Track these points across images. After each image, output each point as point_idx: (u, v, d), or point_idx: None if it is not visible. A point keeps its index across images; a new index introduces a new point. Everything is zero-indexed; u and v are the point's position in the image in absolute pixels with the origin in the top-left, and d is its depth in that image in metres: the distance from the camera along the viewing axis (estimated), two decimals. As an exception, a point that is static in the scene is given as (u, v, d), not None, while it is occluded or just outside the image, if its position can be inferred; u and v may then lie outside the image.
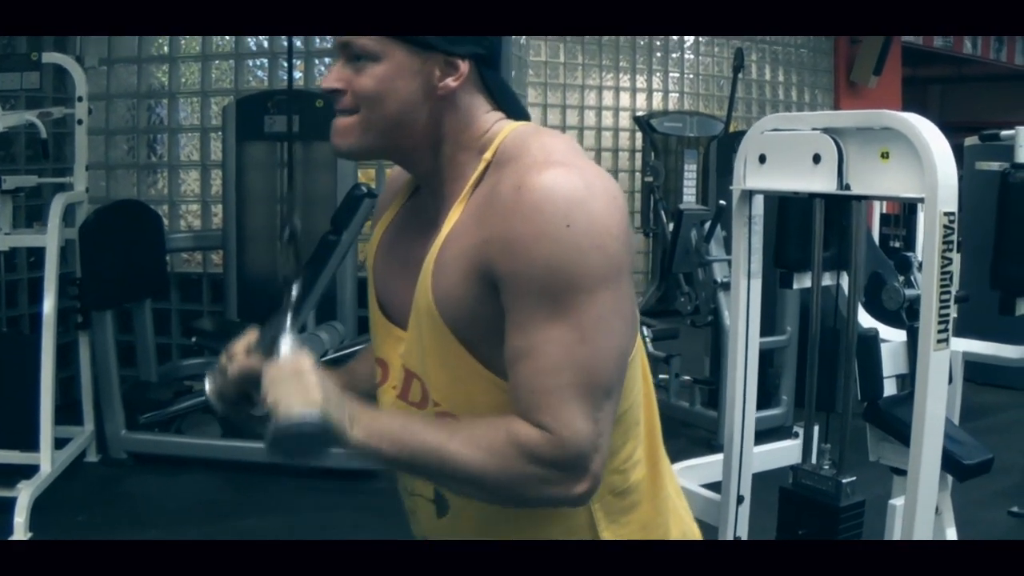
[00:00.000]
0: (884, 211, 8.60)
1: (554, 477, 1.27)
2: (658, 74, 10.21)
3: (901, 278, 2.86)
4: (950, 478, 2.86)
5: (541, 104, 9.41)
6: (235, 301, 5.66)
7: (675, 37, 10.22)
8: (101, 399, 4.95)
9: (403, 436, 1.29)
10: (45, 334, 4.37)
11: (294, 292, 1.42)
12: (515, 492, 1.31)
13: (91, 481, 4.76)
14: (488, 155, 1.37)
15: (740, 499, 2.94)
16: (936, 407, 2.40)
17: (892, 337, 3.00)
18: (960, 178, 2.43)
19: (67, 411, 5.01)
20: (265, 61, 6.37)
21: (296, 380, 1.26)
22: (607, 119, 9.91)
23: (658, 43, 10.15)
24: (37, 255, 4.90)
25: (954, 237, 2.36)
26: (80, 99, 4.84)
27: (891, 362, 2.88)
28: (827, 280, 2.98)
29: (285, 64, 6.08)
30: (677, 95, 10.32)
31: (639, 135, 9.79)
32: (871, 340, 2.83)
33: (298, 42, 6.02)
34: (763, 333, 3.08)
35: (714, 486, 3.11)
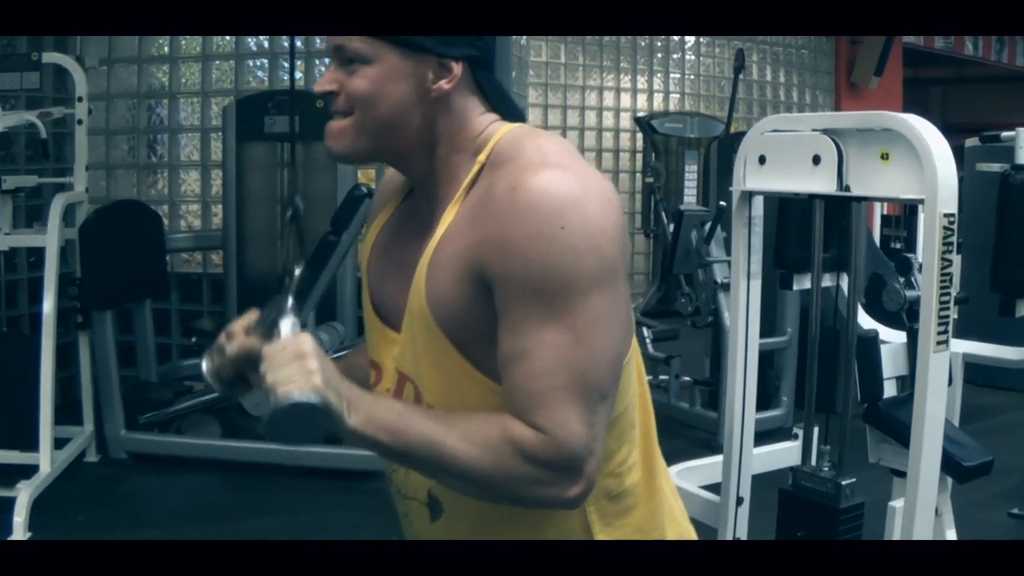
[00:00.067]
0: (885, 212, 8.60)
1: (548, 478, 1.27)
2: (659, 75, 10.20)
3: (902, 279, 2.86)
4: (950, 480, 2.86)
5: (542, 105, 9.41)
6: (235, 301, 5.64)
7: (676, 38, 10.22)
8: (101, 399, 4.95)
9: (400, 426, 1.28)
10: (45, 334, 4.37)
11: (296, 273, 1.40)
12: (508, 490, 1.30)
13: (91, 481, 4.75)
14: (482, 157, 1.36)
15: (739, 500, 2.94)
16: (936, 409, 2.40)
17: (892, 338, 3.00)
18: (960, 179, 2.43)
19: (67, 411, 5.01)
20: (265, 61, 6.36)
21: (296, 362, 1.24)
22: (608, 120, 9.91)
23: (659, 44, 10.15)
24: (37, 255, 4.89)
25: (954, 238, 2.35)
26: (80, 99, 4.84)
27: (891, 363, 2.87)
28: (827, 281, 2.98)
29: (285, 64, 6.09)
30: (678, 96, 10.32)
31: (640, 136, 9.79)
32: (871, 341, 2.83)
33: (298, 42, 6.02)
34: (763, 334, 3.08)
35: (714, 487, 3.11)
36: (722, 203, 4.90)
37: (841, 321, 2.90)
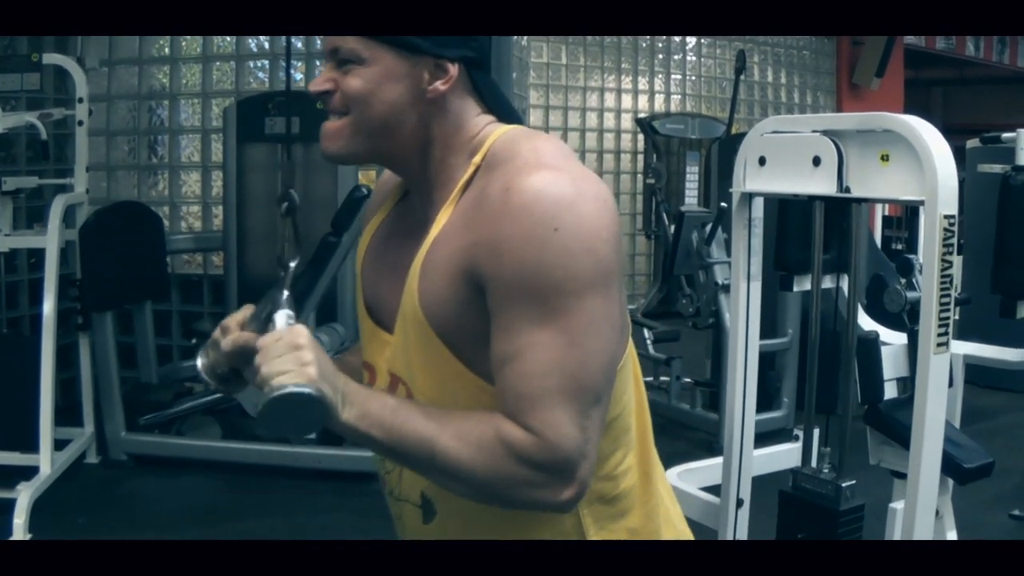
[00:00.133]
0: (886, 213, 8.59)
1: (540, 480, 1.26)
2: (660, 76, 10.21)
3: (903, 281, 2.85)
4: (951, 481, 2.85)
5: (543, 106, 9.42)
6: (236, 302, 5.64)
7: (677, 39, 10.23)
8: (101, 401, 4.95)
9: (394, 423, 1.27)
10: (45, 335, 4.37)
11: (291, 267, 1.39)
12: (500, 491, 1.30)
13: (91, 483, 4.76)
14: (477, 158, 1.36)
15: (740, 502, 2.93)
16: (936, 410, 2.40)
17: (893, 340, 2.99)
18: (962, 181, 2.42)
19: (67, 413, 5.02)
20: (266, 62, 6.36)
21: (291, 354, 1.22)
22: (609, 121, 9.91)
23: (660, 45, 10.15)
24: (38, 256, 4.89)
25: (954, 240, 2.35)
26: (81, 100, 4.84)
27: (892, 365, 2.87)
28: (827, 283, 2.98)
29: (284, 65, 6.08)
30: (679, 97, 10.32)
31: (641, 137, 9.80)
32: (871, 343, 2.82)
33: (299, 43, 6.02)
34: (764, 335, 3.07)
35: (714, 489, 3.10)
36: (723, 204, 4.90)
37: (842, 323, 2.90)
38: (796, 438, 3.45)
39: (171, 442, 5.01)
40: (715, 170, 6.36)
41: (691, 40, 10.34)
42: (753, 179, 2.79)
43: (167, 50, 6.35)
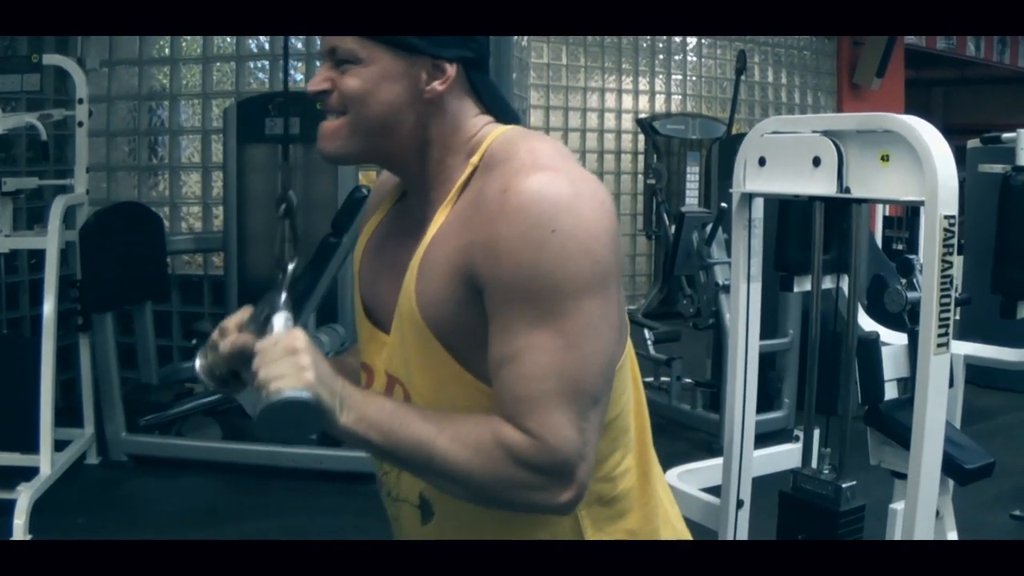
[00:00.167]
0: (887, 214, 8.59)
1: (539, 483, 1.26)
2: (660, 76, 10.21)
3: (903, 281, 2.85)
4: (951, 482, 2.85)
5: (543, 106, 9.42)
6: (236, 303, 5.63)
7: (677, 39, 10.23)
8: (102, 401, 4.95)
9: (392, 426, 1.27)
10: (45, 336, 4.37)
11: (289, 269, 1.39)
12: (499, 494, 1.29)
13: (91, 483, 4.75)
14: (475, 159, 1.36)
15: (740, 503, 2.93)
16: (936, 411, 2.39)
17: (893, 340, 2.99)
18: (962, 181, 2.42)
19: (68, 413, 5.01)
20: (266, 63, 6.36)
21: (288, 357, 1.22)
22: (609, 121, 9.91)
23: (660, 45, 10.16)
24: (38, 257, 4.89)
25: (954, 241, 2.34)
26: (81, 101, 4.84)
27: (892, 365, 2.86)
28: (828, 283, 2.97)
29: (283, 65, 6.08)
30: (679, 97, 10.32)
31: (641, 137, 9.80)
32: (872, 343, 2.82)
33: (299, 44, 6.02)
34: (765, 336, 3.07)
35: (714, 490, 3.10)
36: (723, 205, 4.90)
37: (842, 323, 2.89)
38: (796, 439, 3.45)
39: (171, 443, 5.01)
40: (715, 170, 6.35)
41: (691, 40, 10.34)
42: (753, 180, 2.79)
43: (167, 51, 6.35)
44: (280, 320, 1.29)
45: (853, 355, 2.77)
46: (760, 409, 3.02)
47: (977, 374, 4.98)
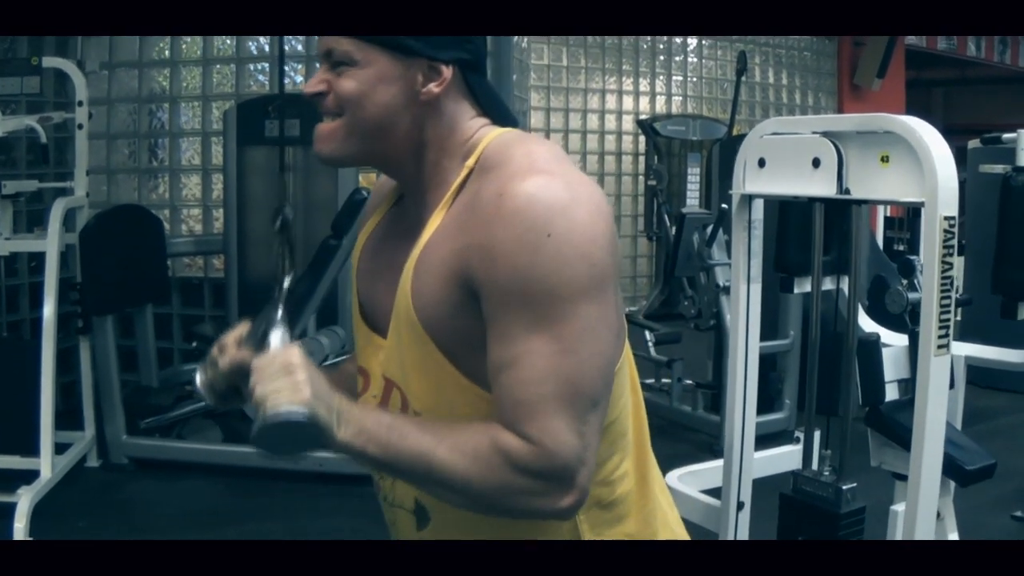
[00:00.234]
0: (888, 214, 8.58)
1: (539, 489, 1.26)
2: (661, 77, 10.21)
3: (904, 282, 2.84)
4: (952, 483, 2.85)
5: (544, 108, 9.42)
6: (236, 306, 5.64)
7: (678, 40, 10.23)
8: (102, 404, 4.95)
9: (390, 439, 1.27)
10: (45, 339, 4.37)
11: (285, 284, 1.40)
12: (500, 502, 1.29)
13: (92, 486, 4.75)
14: (471, 161, 1.35)
15: (740, 505, 2.92)
16: (937, 412, 2.39)
17: (894, 341, 2.98)
18: (963, 181, 2.41)
19: (68, 416, 5.01)
20: (266, 65, 6.35)
21: (285, 375, 1.23)
22: (610, 122, 9.91)
23: (661, 46, 10.15)
24: (38, 260, 4.88)
25: (954, 242, 2.34)
26: (80, 103, 4.83)
27: (893, 366, 2.86)
28: (828, 284, 2.97)
29: (287, 68, 6.08)
30: (680, 98, 10.31)
31: (642, 139, 9.80)
32: (872, 344, 2.82)
33: (299, 46, 6.02)
34: (766, 337, 3.06)
35: (715, 492, 3.09)
36: (724, 206, 4.90)
37: (843, 324, 2.89)
38: (797, 440, 3.44)
39: (172, 446, 5.01)
40: (716, 172, 6.35)
41: (692, 41, 10.34)
42: (753, 181, 2.78)
43: (167, 53, 6.34)
44: (277, 336, 1.30)
45: (854, 356, 2.77)
46: (761, 410, 3.01)
47: (978, 375, 4.97)
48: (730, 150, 5.54)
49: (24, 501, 3.98)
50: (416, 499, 1.43)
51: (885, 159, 2.45)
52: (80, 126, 4.85)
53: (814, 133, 2.61)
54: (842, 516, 2.69)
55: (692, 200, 9.26)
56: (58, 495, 4.27)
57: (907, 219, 8.29)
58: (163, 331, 6.00)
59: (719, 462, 3.11)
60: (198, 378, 1.40)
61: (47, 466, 4.22)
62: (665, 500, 1.54)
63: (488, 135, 1.38)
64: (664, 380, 6.00)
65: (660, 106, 10.17)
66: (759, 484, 2.97)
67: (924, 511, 2.43)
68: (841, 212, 2.76)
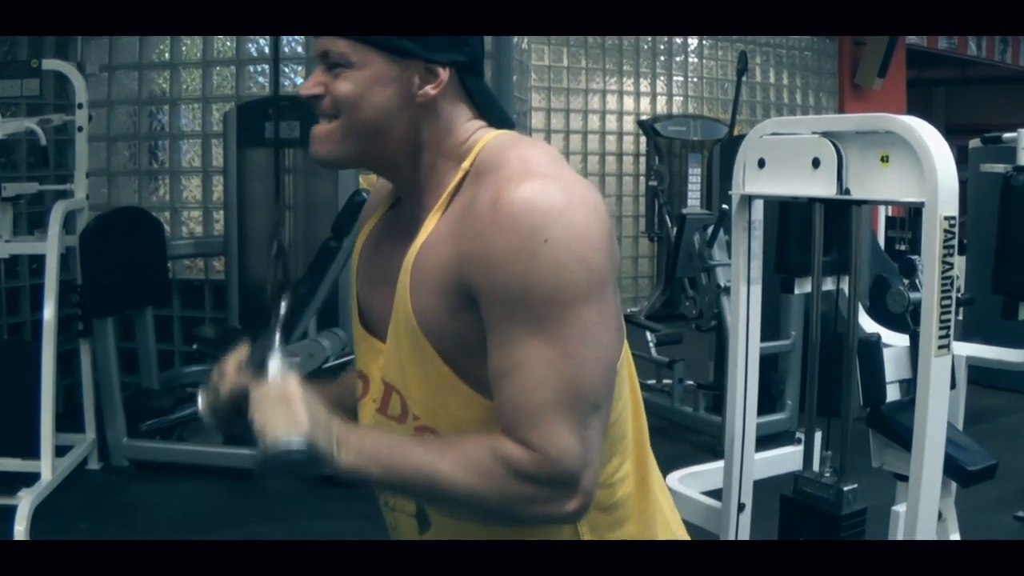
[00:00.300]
0: (889, 214, 8.58)
1: (543, 495, 1.25)
2: (662, 78, 10.20)
3: (906, 281, 2.83)
4: (954, 484, 2.84)
5: (544, 109, 9.42)
6: (237, 308, 5.64)
7: (678, 40, 10.22)
8: (103, 406, 4.94)
9: (392, 458, 1.27)
10: (46, 341, 4.36)
11: (282, 309, 1.41)
12: (506, 512, 1.29)
13: (92, 489, 4.75)
14: (466, 164, 1.35)
15: (741, 507, 2.91)
16: (938, 413, 2.38)
17: (895, 342, 2.97)
18: (964, 181, 2.41)
19: (69, 419, 5.01)
20: (266, 67, 6.34)
21: (283, 404, 1.25)
22: (611, 123, 9.91)
23: (661, 47, 10.15)
24: (39, 262, 4.87)
25: (955, 242, 2.33)
26: (80, 106, 4.83)
27: (894, 367, 2.85)
28: (829, 285, 2.96)
29: (287, 70, 6.08)
30: (681, 99, 10.31)
31: (643, 139, 9.79)
32: (873, 345, 2.81)
33: (299, 48, 6.02)
34: (768, 337, 3.06)
35: (715, 493, 3.09)
36: (725, 206, 4.89)
37: (843, 325, 2.88)
38: (798, 441, 3.44)
39: (173, 448, 5.00)
40: (717, 172, 6.34)
41: (693, 42, 10.33)
42: (752, 181, 2.77)
43: (167, 55, 6.34)
44: (275, 363, 1.31)
45: (854, 357, 2.76)
46: (763, 411, 3.01)
47: (980, 374, 4.97)
48: (731, 150, 5.53)
49: (24, 504, 3.97)
50: (416, 503, 1.43)
51: (885, 159, 2.45)
52: (80, 128, 4.84)
53: (814, 133, 2.60)
54: (843, 518, 2.68)
55: (693, 201, 9.26)
56: (59, 497, 4.27)
57: (908, 219, 8.30)
58: (164, 333, 6.00)
59: (720, 463, 3.10)
60: (200, 402, 1.43)
61: (47, 468, 4.22)
62: (666, 502, 1.54)
63: (484, 137, 1.37)
64: (665, 381, 5.99)
65: (661, 106, 10.16)
66: (760, 485, 2.97)
67: (925, 512, 2.43)
68: (841, 212, 2.76)
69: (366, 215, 1.58)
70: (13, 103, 5.31)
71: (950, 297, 2.35)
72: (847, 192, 2.53)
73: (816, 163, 2.57)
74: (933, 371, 2.35)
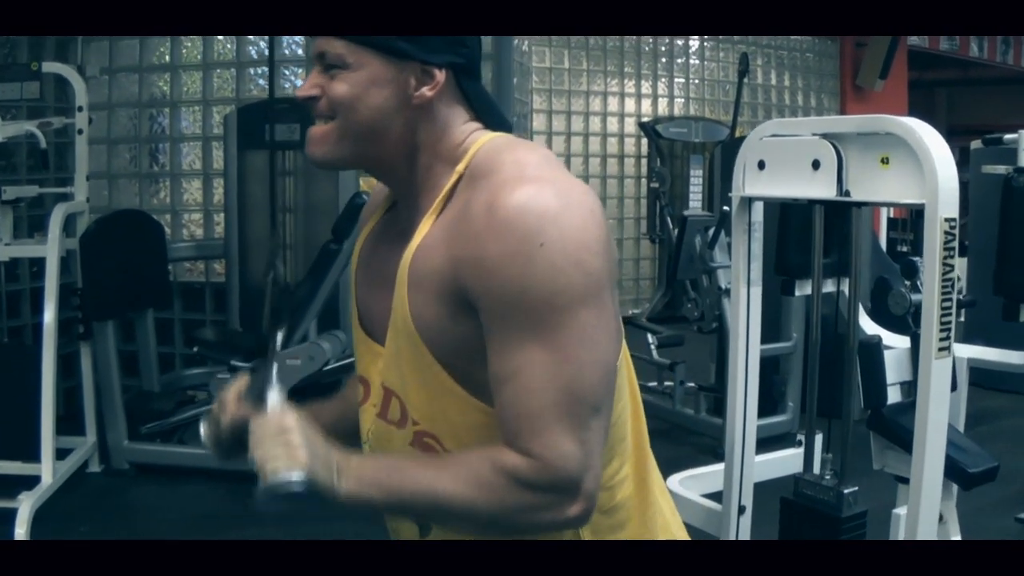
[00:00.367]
0: (891, 215, 8.57)
1: (545, 502, 1.26)
2: (663, 79, 10.20)
3: (908, 283, 2.82)
4: (955, 486, 2.83)
5: (546, 110, 9.42)
6: (237, 310, 5.64)
7: (680, 42, 10.22)
8: (103, 409, 4.94)
9: (392, 481, 1.28)
10: (46, 344, 4.37)
11: (278, 340, 1.44)
12: (510, 523, 1.29)
13: (93, 491, 4.75)
14: (460, 167, 1.35)
15: (741, 509, 2.91)
16: (938, 415, 2.37)
17: (896, 343, 2.96)
18: (966, 182, 2.40)
19: (70, 421, 5.01)
20: (267, 69, 6.33)
21: (281, 439, 1.26)
22: (612, 125, 9.90)
23: (663, 48, 10.15)
24: (39, 265, 4.87)
25: (955, 243, 2.32)
26: (80, 108, 4.83)
27: (895, 369, 2.84)
28: (829, 287, 2.95)
29: (287, 72, 6.08)
30: (682, 100, 10.30)
31: (644, 141, 9.78)
32: (874, 347, 2.80)
33: (299, 50, 6.02)
34: (769, 339, 3.05)
35: (716, 496, 3.08)
36: (726, 208, 4.88)
37: (844, 326, 2.88)
38: (799, 443, 3.43)
39: (173, 451, 4.99)
40: (719, 174, 6.34)
41: (694, 43, 10.33)
42: (752, 183, 2.77)
43: (167, 58, 6.35)
44: (273, 396, 1.33)
45: (855, 359, 2.75)
46: (765, 413, 3.00)
47: (982, 376, 4.95)
48: (732, 152, 5.50)
49: (25, 507, 3.97)
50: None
51: (885, 161, 2.44)
52: (80, 131, 4.84)
53: (813, 135, 2.60)
54: (844, 520, 2.67)
55: (694, 202, 9.25)
56: (59, 500, 4.27)
57: (910, 220, 8.29)
58: (164, 336, 6.00)
59: (720, 466, 3.09)
60: (202, 431, 1.47)
61: (48, 471, 4.21)
62: (666, 504, 1.54)
63: (478, 140, 1.37)
64: (667, 383, 5.98)
65: (662, 108, 10.16)
66: (761, 488, 2.96)
67: (926, 514, 2.42)
68: (841, 214, 2.75)
69: (365, 218, 1.58)
70: (13, 106, 5.31)
71: (951, 299, 2.34)
72: (847, 194, 2.53)
73: (816, 165, 2.56)
74: (934, 373, 2.34)
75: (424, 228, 1.33)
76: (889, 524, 2.73)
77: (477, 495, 1.25)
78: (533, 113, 8.80)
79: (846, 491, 2.69)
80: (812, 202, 2.66)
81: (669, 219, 7.26)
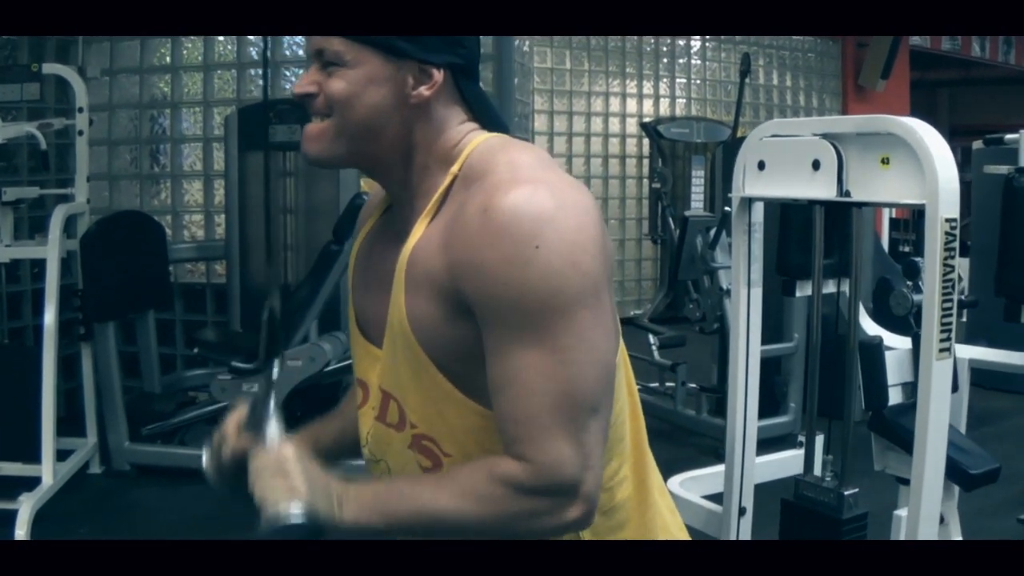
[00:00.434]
0: (893, 215, 8.56)
1: (545, 507, 1.25)
2: (665, 80, 10.19)
3: (909, 283, 2.82)
4: (956, 487, 2.82)
5: (547, 111, 9.41)
6: (238, 311, 5.64)
7: (681, 42, 10.21)
8: (104, 411, 4.94)
9: (391, 504, 1.29)
10: (46, 346, 4.36)
11: (275, 373, 1.45)
12: (511, 530, 1.29)
13: (94, 493, 4.75)
14: (455, 168, 1.34)
15: (742, 511, 2.90)
16: (939, 416, 2.37)
17: (898, 344, 2.96)
18: (968, 182, 2.39)
19: (70, 423, 5.01)
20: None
21: (280, 473, 1.26)
22: (614, 125, 9.90)
23: (664, 48, 10.14)
24: (40, 266, 4.87)
25: (956, 244, 2.32)
26: (81, 110, 4.83)
27: (896, 370, 2.84)
28: (830, 287, 2.95)
29: (287, 73, 6.07)
30: (684, 101, 10.29)
31: (646, 141, 9.77)
32: (875, 348, 2.79)
33: (300, 51, 6.01)
34: (771, 340, 3.05)
35: (716, 497, 3.07)
36: (727, 208, 4.88)
37: (845, 327, 2.87)
38: (800, 444, 3.42)
39: (174, 452, 4.98)
40: (720, 174, 6.33)
41: (695, 43, 10.32)
42: (753, 183, 2.76)
43: (168, 59, 6.35)
44: (272, 429, 1.34)
45: (856, 360, 2.74)
46: (766, 414, 3.00)
47: (983, 377, 4.93)
48: (734, 153, 5.51)
49: (25, 508, 3.97)
50: None
51: (886, 161, 2.43)
52: (81, 132, 4.84)
53: (814, 135, 2.59)
54: (844, 522, 2.67)
55: (696, 203, 9.23)
56: (60, 502, 4.26)
57: (912, 220, 8.28)
58: (165, 337, 6.00)
59: (721, 467, 3.09)
60: (204, 460, 1.47)
61: (49, 473, 4.21)
62: (665, 505, 1.53)
63: (473, 140, 1.36)
64: (668, 384, 5.98)
65: (663, 109, 10.15)
66: (761, 489, 2.96)
67: (927, 516, 2.42)
68: (842, 214, 2.74)
69: (363, 219, 1.57)
70: (14, 107, 5.31)
71: (951, 300, 2.33)
72: (847, 194, 2.52)
73: (816, 165, 2.56)
74: (934, 374, 2.33)
75: (419, 230, 1.32)
76: (890, 526, 2.72)
77: (477, 508, 1.26)
78: (534, 114, 8.80)
79: (847, 493, 2.69)
80: (812, 203, 2.66)
81: (671, 220, 7.25)
